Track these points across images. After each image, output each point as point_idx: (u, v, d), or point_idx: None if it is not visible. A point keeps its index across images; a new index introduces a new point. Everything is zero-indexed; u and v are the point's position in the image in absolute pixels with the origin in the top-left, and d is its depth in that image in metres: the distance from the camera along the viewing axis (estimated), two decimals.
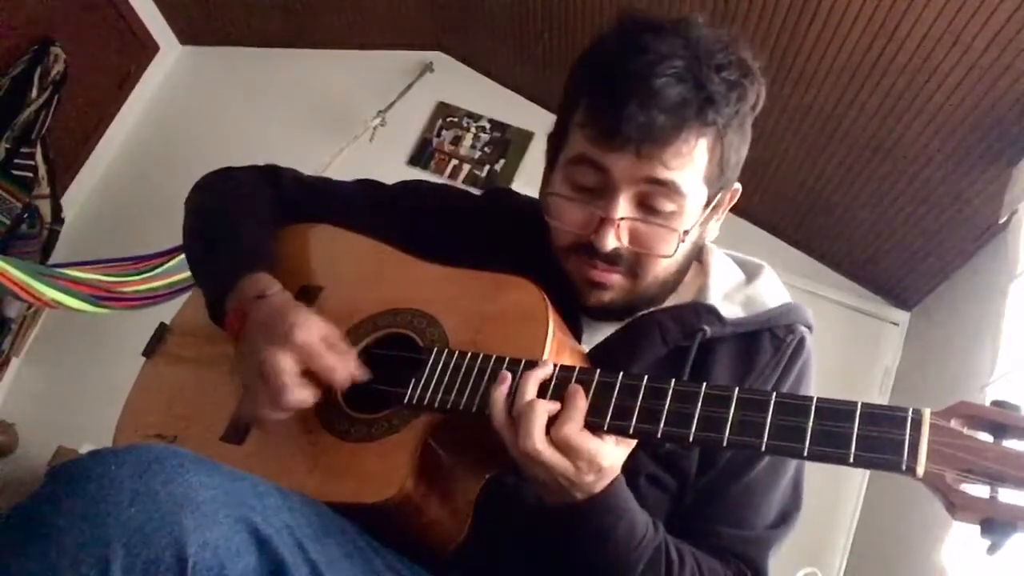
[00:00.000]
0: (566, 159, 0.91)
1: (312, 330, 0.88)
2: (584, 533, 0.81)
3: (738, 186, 0.97)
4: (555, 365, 0.81)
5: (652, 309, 0.97)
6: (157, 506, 0.62)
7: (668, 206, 0.88)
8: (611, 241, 0.88)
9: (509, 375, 0.80)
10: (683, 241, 0.89)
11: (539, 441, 0.75)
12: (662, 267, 0.92)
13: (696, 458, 0.92)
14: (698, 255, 1.03)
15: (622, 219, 0.88)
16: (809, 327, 1.00)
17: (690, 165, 0.87)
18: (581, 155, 0.89)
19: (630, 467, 0.87)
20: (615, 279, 0.92)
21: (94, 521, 0.61)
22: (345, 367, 0.88)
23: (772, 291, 1.01)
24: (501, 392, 0.79)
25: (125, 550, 0.61)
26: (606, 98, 0.86)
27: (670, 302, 0.99)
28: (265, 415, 0.88)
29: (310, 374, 0.88)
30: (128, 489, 0.63)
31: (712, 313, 0.95)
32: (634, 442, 0.81)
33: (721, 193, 0.93)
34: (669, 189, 0.87)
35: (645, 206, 0.88)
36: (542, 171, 0.98)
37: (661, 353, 0.93)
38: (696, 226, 0.91)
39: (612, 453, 0.78)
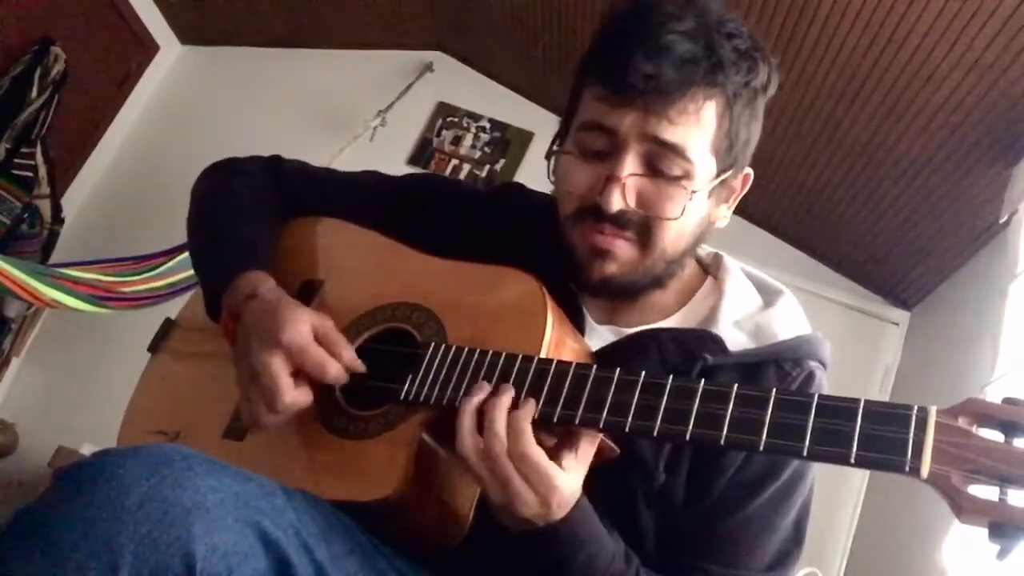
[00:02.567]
0: (576, 127, 0.91)
1: (301, 327, 0.87)
2: (541, 561, 0.79)
3: (750, 171, 0.96)
4: (553, 360, 0.80)
5: (655, 326, 0.95)
6: (165, 511, 0.62)
7: (675, 170, 0.87)
8: (617, 200, 0.86)
9: (478, 395, 0.79)
10: (691, 200, 0.87)
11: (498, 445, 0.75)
12: (671, 238, 0.89)
13: (683, 486, 0.88)
14: (715, 272, 1.00)
15: (629, 176, 0.86)
16: (823, 363, 0.95)
17: (696, 126, 0.86)
18: (590, 120, 0.88)
19: (627, 492, 0.87)
20: (622, 245, 0.89)
21: (102, 527, 0.61)
22: (336, 362, 0.87)
23: (786, 321, 0.95)
24: (470, 407, 0.78)
25: (133, 556, 0.60)
26: (615, 53, 0.86)
27: (677, 320, 0.96)
28: (261, 419, 0.86)
29: (304, 373, 0.86)
30: (136, 493, 0.62)
31: (717, 343, 0.90)
32: (585, 466, 0.79)
33: (732, 171, 0.91)
34: (675, 152, 0.86)
35: (653, 168, 0.87)
36: (543, 170, 0.96)
37: (656, 371, 0.91)
38: (704, 195, 0.89)
39: (565, 477, 0.76)
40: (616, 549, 0.82)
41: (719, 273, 1.00)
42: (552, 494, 0.75)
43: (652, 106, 0.84)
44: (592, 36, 0.92)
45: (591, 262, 0.91)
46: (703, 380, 0.74)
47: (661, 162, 0.86)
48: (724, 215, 0.96)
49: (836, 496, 2.88)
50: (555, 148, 0.93)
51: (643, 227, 0.89)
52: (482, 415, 0.77)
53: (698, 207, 0.90)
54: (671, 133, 0.85)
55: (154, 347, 1.14)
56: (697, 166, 0.87)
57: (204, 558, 0.62)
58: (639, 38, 0.84)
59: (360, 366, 0.89)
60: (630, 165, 0.86)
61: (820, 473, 0.92)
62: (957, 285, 2.83)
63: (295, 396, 0.85)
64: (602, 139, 0.88)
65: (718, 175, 0.90)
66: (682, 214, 0.87)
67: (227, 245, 1.04)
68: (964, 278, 2.78)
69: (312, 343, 0.87)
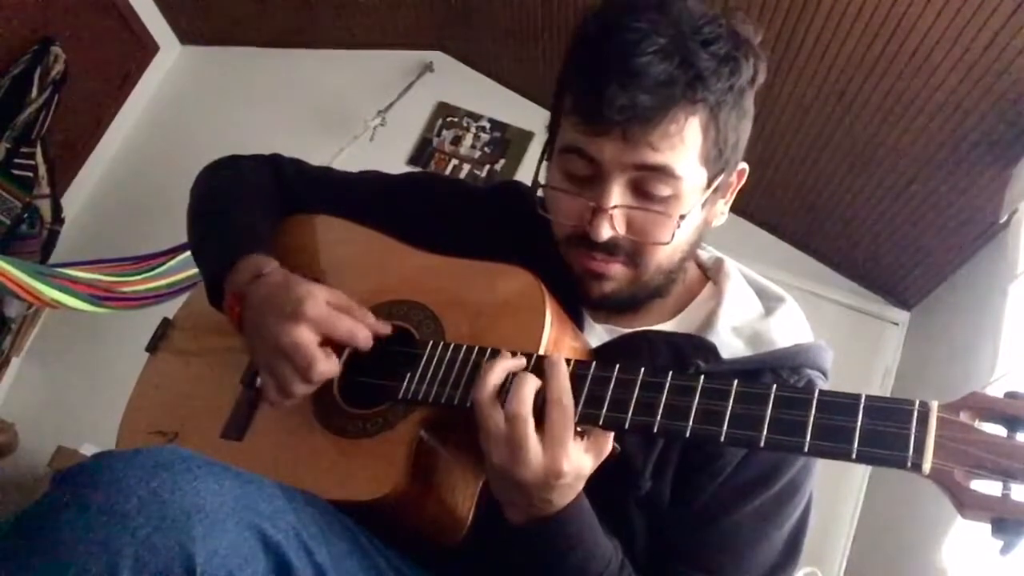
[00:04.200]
0: (558, 150, 0.90)
1: (320, 299, 0.87)
2: (536, 559, 0.79)
3: (744, 166, 0.94)
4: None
5: (649, 328, 0.94)
6: (165, 515, 0.61)
7: (664, 191, 0.84)
8: (606, 231, 0.85)
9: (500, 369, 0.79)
10: (679, 227, 0.86)
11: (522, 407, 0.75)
12: (664, 255, 0.89)
13: (668, 489, 0.87)
14: (715, 277, 0.99)
15: (616, 207, 0.85)
16: (823, 372, 0.93)
17: (681, 146, 0.83)
18: (570, 145, 0.87)
19: (617, 495, 0.86)
20: (616, 268, 0.89)
21: (102, 531, 0.60)
22: (364, 327, 0.88)
23: (786, 329, 0.93)
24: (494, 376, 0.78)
25: (133, 561, 0.60)
26: (588, 83, 0.83)
27: (674, 324, 0.96)
28: (295, 391, 0.86)
29: (329, 343, 0.87)
30: (136, 497, 0.62)
31: (710, 351, 0.89)
32: (592, 459, 0.78)
33: (723, 175, 0.89)
34: (662, 173, 0.83)
35: (640, 191, 0.85)
36: (542, 170, 0.96)
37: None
38: (696, 209, 0.88)
39: (575, 455, 0.75)
40: (612, 556, 0.81)
41: (719, 278, 0.99)
42: (556, 463, 0.74)
43: (632, 135, 0.82)
44: (566, 59, 0.89)
45: (588, 283, 0.91)
46: (702, 377, 0.73)
47: (648, 184, 0.84)
48: (722, 211, 0.95)
49: (836, 496, 2.88)
50: (540, 182, 0.92)
51: (635, 251, 0.88)
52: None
53: (691, 221, 0.89)
54: (655, 157, 0.83)
55: (152, 347, 1.14)
56: (686, 181, 0.85)
57: (204, 562, 0.62)
58: (611, 64, 0.81)
59: (386, 328, 0.90)
60: (616, 196, 0.84)
61: (820, 472, 0.91)
62: (957, 285, 2.83)
63: (329, 365, 0.86)
64: (585, 166, 0.86)
65: (709, 184, 0.88)
66: (672, 238, 0.87)
67: (228, 231, 1.04)
68: (964, 278, 2.78)
69: (335, 312, 0.88)
